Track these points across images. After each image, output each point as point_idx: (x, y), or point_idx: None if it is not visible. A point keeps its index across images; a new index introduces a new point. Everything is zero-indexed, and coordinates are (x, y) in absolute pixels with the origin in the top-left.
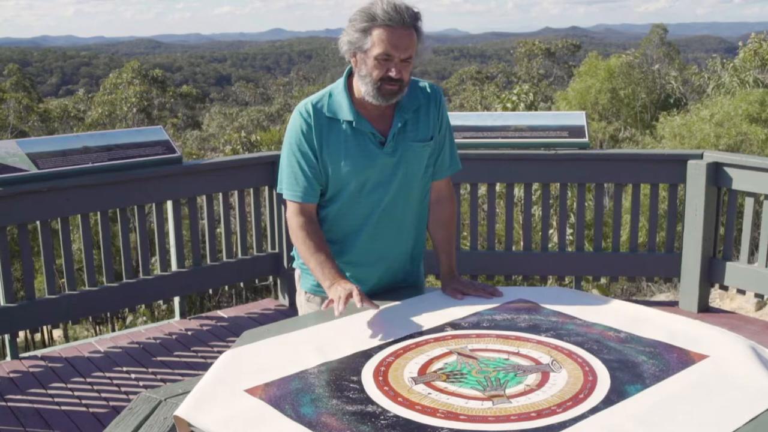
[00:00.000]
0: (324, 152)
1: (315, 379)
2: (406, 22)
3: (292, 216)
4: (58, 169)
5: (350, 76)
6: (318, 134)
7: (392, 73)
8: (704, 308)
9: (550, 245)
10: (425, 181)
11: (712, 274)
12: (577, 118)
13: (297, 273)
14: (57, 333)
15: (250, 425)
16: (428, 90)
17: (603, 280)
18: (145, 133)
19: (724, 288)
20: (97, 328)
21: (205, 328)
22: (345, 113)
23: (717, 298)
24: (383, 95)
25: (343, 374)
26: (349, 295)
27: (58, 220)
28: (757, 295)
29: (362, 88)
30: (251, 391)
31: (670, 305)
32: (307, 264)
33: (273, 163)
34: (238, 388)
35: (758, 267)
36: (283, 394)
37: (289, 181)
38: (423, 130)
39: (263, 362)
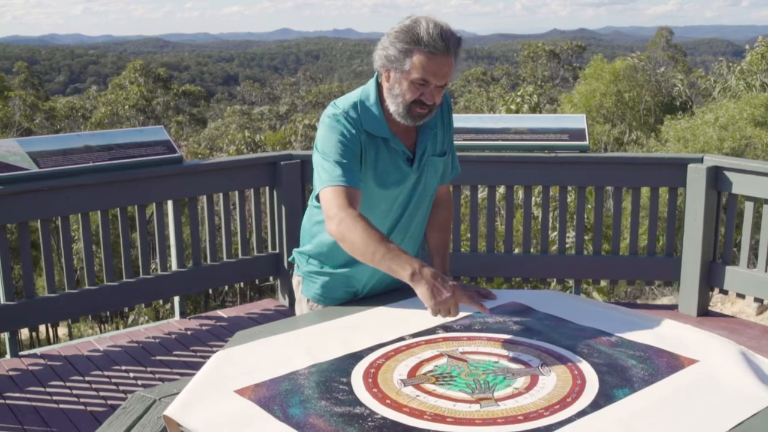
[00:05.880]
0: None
1: (304, 381)
2: (449, 51)
3: (342, 209)
4: (58, 168)
5: (379, 84)
6: (362, 145)
7: (426, 99)
8: (704, 312)
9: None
10: (435, 192)
11: (711, 279)
12: (578, 121)
13: (296, 280)
14: (62, 331)
15: (238, 426)
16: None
17: (603, 283)
18: (146, 132)
19: (724, 292)
20: (102, 326)
21: (204, 327)
22: (381, 130)
23: (719, 302)
24: (412, 117)
25: (333, 376)
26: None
27: (59, 218)
28: (756, 300)
29: (391, 106)
30: (241, 392)
31: (670, 309)
32: (369, 255)
33: (274, 164)
34: (228, 389)
35: (758, 272)
36: (272, 395)
37: (333, 172)
38: (440, 144)
39: (254, 363)
